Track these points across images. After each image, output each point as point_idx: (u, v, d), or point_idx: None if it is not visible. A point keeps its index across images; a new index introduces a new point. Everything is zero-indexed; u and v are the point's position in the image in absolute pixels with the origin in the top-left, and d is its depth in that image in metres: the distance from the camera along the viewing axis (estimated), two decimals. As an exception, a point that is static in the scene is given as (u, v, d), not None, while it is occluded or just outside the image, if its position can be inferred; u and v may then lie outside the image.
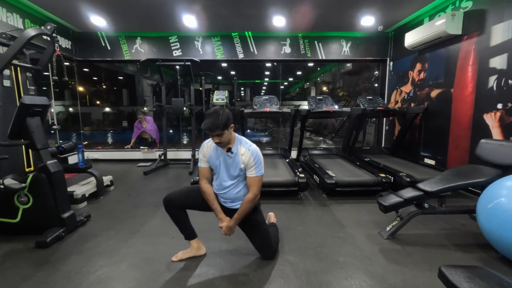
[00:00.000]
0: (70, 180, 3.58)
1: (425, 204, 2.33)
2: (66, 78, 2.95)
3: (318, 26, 5.09)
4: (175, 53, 5.47)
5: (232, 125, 1.79)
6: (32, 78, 2.92)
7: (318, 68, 12.35)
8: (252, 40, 5.48)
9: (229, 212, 1.95)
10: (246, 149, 1.83)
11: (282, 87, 9.09)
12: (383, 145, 5.71)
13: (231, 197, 1.93)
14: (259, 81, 11.69)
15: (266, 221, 2.48)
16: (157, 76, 5.93)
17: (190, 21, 4.76)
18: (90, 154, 5.92)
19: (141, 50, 5.48)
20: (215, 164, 1.91)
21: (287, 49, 5.52)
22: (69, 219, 2.41)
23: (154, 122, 6.43)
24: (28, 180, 2.29)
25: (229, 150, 1.84)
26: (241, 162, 1.83)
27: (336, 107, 4.39)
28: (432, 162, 4.20)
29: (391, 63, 5.50)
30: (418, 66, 4.61)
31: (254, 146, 1.86)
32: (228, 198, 1.94)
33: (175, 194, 1.96)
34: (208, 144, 1.93)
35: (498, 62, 3.11)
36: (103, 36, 5.42)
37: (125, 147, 6.22)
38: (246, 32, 5.44)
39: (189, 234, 2.03)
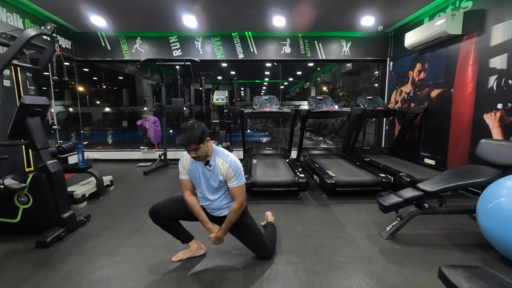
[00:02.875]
0: (70, 180, 3.58)
1: (425, 204, 2.33)
2: (66, 78, 2.94)
3: (318, 26, 5.09)
4: (175, 53, 5.47)
5: (208, 138, 1.76)
6: (32, 78, 2.92)
7: (318, 68, 12.34)
8: (252, 40, 5.48)
9: (217, 220, 1.94)
10: (223, 161, 1.80)
11: (282, 87, 9.09)
12: (383, 145, 5.71)
13: (216, 207, 1.92)
14: (259, 81, 11.68)
15: (264, 221, 2.49)
16: (157, 76, 5.92)
17: (190, 21, 4.76)
18: (90, 154, 5.93)
19: (141, 50, 5.48)
20: (195, 177, 1.88)
21: (287, 49, 5.52)
22: (69, 219, 2.41)
23: (158, 123, 6.37)
24: (28, 180, 2.29)
25: (207, 163, 1.82)
26: (219, 174, 1.81)
27: (336, 107, 4.39)
28: (432, 162, 4.20)
29: (391, 63, 5.50)
30: (418, 66, 4.61)
31: (231, 157, 1.84)
32: (214, 208, 1.94)
33: (160, 205, 1.93)
34: (187, 157, 1.89)
35: (498, 62, 3.11)
36: (103, 36, 5.42)
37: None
38: (246, 32, 5.44)
39: (184, 238, 2.03)
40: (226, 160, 1.80)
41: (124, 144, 6.37)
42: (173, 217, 1.96)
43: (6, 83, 2.64)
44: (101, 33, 5.40)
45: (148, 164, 5.43)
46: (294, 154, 5.25)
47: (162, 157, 5.33)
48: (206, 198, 1.91)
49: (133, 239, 2.33)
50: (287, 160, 4.40)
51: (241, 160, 4.04)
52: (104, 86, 11.62)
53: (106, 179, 3.65)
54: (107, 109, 12.07)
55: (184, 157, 1.92)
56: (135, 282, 1.75)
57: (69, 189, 3.01)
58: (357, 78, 10.16)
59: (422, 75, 4.51)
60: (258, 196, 3.35)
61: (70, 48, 5.29)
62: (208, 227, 1.90)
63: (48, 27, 2.69)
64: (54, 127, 4.81)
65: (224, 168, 1.79)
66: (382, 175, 3.45)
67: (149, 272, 1.86)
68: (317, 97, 4.55)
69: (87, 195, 3.20)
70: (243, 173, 1.86)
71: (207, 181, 1.86)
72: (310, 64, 8.87)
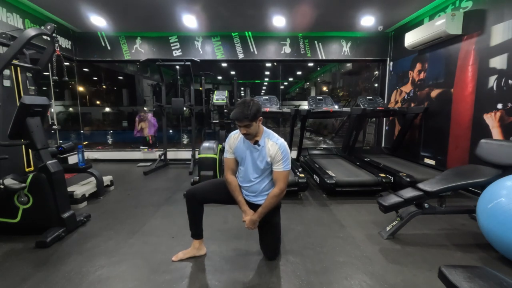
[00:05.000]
0: (70, 180, 3.58)
1: (425, 204, 2.33)
2: (66, 78, 2.94)
3: (318, 26, 5.09)
4: (175, 53, 5.47)
5: (261, 117, 1.78)
6: (32, 78, 2.92)
7: (318, 68, 12.35)
8: (252, 40, 5.48)
9: (251, 206, 1.94)
10: (273, 143, 1.81)
11: (282, 87, 9.10)
12: (383, 145, 5.71)
13: (256, 190, 1.92)
14: (259, 81, 11.68)
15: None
16: (157, 76, 5.93)
17: (190, 21, 4.76)
18: (90, 154, 5.92)
19: (141, 50, 5.48)
20: (242, 156, 1.90)
21: (287, 49, 5.52)
22: (69, 219, 2.41)
23: (153, 118, 6.52)
24: (28, 180, 2.29)
25: (256, 142, 1.83)
26: (267, 155, 1.81)
27: (336, 107, 4.39)
28: (432, 162, 4.20)
29: (391, 63, 5.50)
30: (418, 66, 4.60)
31: (282, 140, 1.85)
32: (252, 192, 1.93)
33: (199, 187, 1.96)
34: (235, 136, 1.92)
35: (498, 62, 3.11)
36: (103, 36, 5.42)
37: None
38: (246, 32, 5.44)
39: (197, 232, 2.02)
40: (277, 142, 1.81)
41: (124, 144, 6.37)
42: (209, 200, 1.98)
43: (6, 83, 2.64)
44: (101, 33, 5.40)
45: (148, 164, 5.42)
46: (294, 154, 5.24)
47: (162, 157, 5.32)
48: (248, 179, 1.91)
49: (133, 239, 2.33)
50: (287, 160, 4.39)
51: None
52: (104, 86, 11.62)
53: (106, 179, 3.64)
54: (107, 109, 12.07)
55: (232, 136, 1.94)
56: (135, 282, 1.75)
57: (69, 189, 3.00)
58: (357, 78, 10.16)
59: (422, 75, 4.51)
60: (258, 196, 3.34)
61: (70, 48, 5.29)
62: (244, 209, 1.92)
63: (48, 27, 2.69)
64: (54, 127, 4.81)
65: (273, 149, 1.80)
66: (382, 175, 3.45)
67: (149, 272, 1.86)
68: (317, 97, 4.55)
69: (87, 195, 3.20)
70: (290, 160, 1.85)
71: (254, 160, 1.86)
72: (310, 64, 8.87)
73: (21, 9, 4.04)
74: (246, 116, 1.68)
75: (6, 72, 2.60)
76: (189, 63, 4.78)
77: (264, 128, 1.88)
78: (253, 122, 1.72)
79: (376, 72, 6.25)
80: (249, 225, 1.90)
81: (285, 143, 1.84)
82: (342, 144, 5.31)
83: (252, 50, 5.51)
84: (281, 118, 8.27)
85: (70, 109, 9.92)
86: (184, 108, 5.04)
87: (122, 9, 4.34)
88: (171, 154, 5.78)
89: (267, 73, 10.94)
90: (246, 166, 1.89)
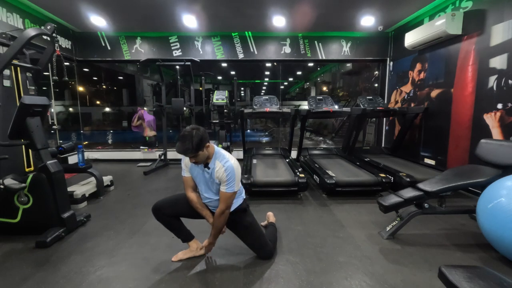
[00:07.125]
0: (70, 180, 3.58)
1: (425, 204, 2.33)
2: (66, 78, 2.95)
3: (318, 26, 5.09)
4: (175, 53, 5.47)
5: (208, 144, 1.74)
6: (32, 78, 2.92)
7: (318, 68, 12.34)
8: (252, 40, 5.48)
9: None
10: (221, 165, 1.78)
11: (282, 87, 9.08)
12: (383, 145, 5.71)
13: (217, 205, 1.91)
14: (259, 81, 11.68)
15: (265, 221, 2.49)
16: (157, 76, 5.93)
17: (190, 21, 4.76)
18: (90, 154, 5.93)
19: (141, 50, 5.48)
20: (196, 175, 1.90)
21: (287, 49, 5.52)
22: (69, 219, 2.42)
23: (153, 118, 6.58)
24: (28, 180, 2.29)
25: (206, 165, 1.82)
26: (216, 177, 1.80)
27: (336, 107, 4.38)
28: (432, 162, 4.20)
29: (391, 63, 5.50)
30: (418, 66, 4.61)
31: (230, 162, 1.79)
32: (215, 206, 1.93)
33: (163, 202, 1.94)
34: None
35: (498, 62, 3.11)
36: (103, 36, 5.42)
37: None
38: (246, 32, 5.44)
39: (185, 237, 2.03)
40: (224, 165, 1.78)
41: (124, 144, 6.39)
42: (175, 214, 1.97)
43: (6, 83, 2.64)
44: (101, 33, 5.40)
45: (148, 164, 5.43)
46: (294, 154, 5.25)
47: (162, 157, 5.32)
48: (204, 197, 1.93)
49: (133, 239, 2.33)
50: (287, 160, 4.40)
51: (240, 160, 4.04)
52: (104, 86, 11.61)
53: (106, 179, 3.64)
54: (107, 109, 12.07)
55: None
56: (135, 282, 1.75)
57: (69, 189, 3.01)
58: (357, 78, 10.15)
59: (422, 75, 4.51)
60: (258, 196, 3.35)
61: (70, 48, 5.29)
62: (211, 222, 1.92)
63: (48, 27, 2.69)
64: (54, 127, 4.81)
65: (220, 171, 1.78)
66: (382, 175, 3.45)
67: (149, 272, 1.86)
68: (317, 97, 4.55)
69: (87, 195, 3.20)
70: (237, 181, 1.81)
71: (206, 182, 1.88)
72: (310, 64, 8.86)
73: (21, 9, 4.04)
74: (189, 150, 1.67)
75: (6, 72, 2.60)
76: (189, 63, 4.78)
77: (216, 148, 1.85)
78: (198, 152, 1.69)
79: (376, 72, 6.24)
80: (208, 250, 1.96)
81: (233, 165, 1.78)
82: (342, 144, 5.31)
83: (252, 50, 5.51)
84: (281, 118, 8.27)
85: (70, 109, 9.90)
86: (184, 108, 5.04)
87: (122, 9, 4.34)
88: (171, 154, 5.78)
89: (267, 73, 10.93)
90: (201, 186, 1.91)
